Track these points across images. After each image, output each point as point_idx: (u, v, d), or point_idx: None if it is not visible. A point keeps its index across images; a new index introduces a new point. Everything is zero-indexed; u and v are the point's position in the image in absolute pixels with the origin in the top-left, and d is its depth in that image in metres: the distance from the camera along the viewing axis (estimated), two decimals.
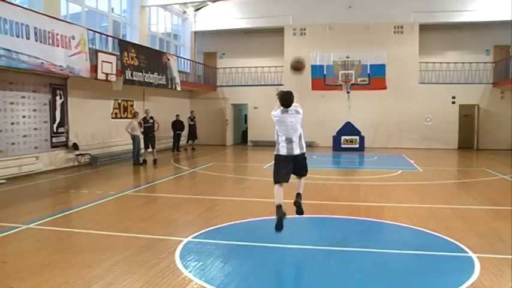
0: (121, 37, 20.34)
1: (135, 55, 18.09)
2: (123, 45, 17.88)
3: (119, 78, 16.76)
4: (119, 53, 17.29)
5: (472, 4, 24.32)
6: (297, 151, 6.74)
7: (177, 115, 23.13)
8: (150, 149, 17.60)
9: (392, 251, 6.49)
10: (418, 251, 6.67)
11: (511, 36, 25.24)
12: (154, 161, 17.53)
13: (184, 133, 23.80)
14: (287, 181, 6.84)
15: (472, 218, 8.40)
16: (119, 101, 19.47)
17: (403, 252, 6.50)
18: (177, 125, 23.06)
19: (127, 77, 17.45)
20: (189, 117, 24.05)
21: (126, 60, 17.51)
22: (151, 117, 17.63)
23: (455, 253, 6.35)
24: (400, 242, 7.15)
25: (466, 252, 6.28)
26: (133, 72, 17.92)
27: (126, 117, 19.38)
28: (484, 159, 19.71)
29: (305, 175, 7.13)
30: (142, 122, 17.20)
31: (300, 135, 6.84)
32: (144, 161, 17.41)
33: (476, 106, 24.85)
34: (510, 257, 6.18)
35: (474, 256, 6.09)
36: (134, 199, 10.73)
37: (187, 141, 23.91)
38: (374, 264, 5.98)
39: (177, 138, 23.04)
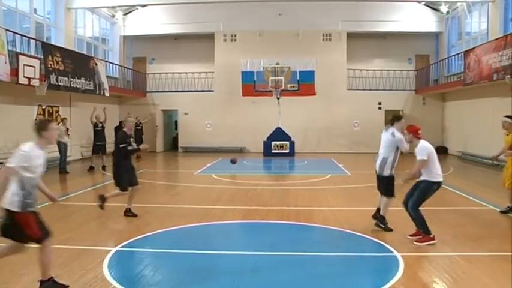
0: (45, 40, 19.46)
1: (60, 59, 17.38)
2: (48, 49, 17.12)
3: (42, 83, 16.03)
4: (42, 57, 16.56)
5: (396, 15, 25.56)
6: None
7: (121, 121, 22.72)
8: (96, 155, 17.33)
9: (322, 253, 6.62)
10: (347, 252, 6.87)
11: (431, 46, 26.85)
12: (103, 166, 17.20)
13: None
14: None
15: (397, 219, 8.70)
16: (44, 107, 18.61)
17: (332, 255, 6.66)
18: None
19: (52, 82, 16.68)
20: (136, 123, 22.34)
21: (51, 64, 16.78)
22: (102, 122, 17.21)
23: (381, 253, 6.62)
24: (330, 245, 7.32)
25: (392, 252, 6.54)
26: (59, 77, 17.19)
27: None
28: (408, 162, 20.38)
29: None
30: (69, 128, 16.60)
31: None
32: (91, 167, 16.98)
33: (400, 112, 25.92)
34: (430, 254, 6.55)
35: (399, 255, 6.36)
36: (60, 209, 10.23)
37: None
38: (304, 267, 6.08)
39: None
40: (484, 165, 18.56)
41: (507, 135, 8.94)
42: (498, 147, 9.74)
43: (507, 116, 9.09)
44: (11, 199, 4.95)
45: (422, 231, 7.11)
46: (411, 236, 7.24)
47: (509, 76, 15.72)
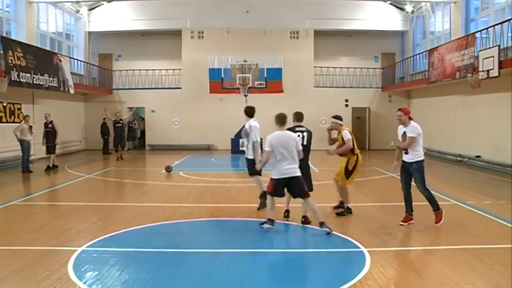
0: (4, 34, 18.84)
1: (22, 55, 16.89)
2: (8, 44, 16.57)
3: (3, 79, 15.56)
4: (2, 52, 16.05)
5: (362, 14, 25.91)
6: None
7: (104, 118, 23.26)
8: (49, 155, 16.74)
9: (289, 250, 6.66)
10: (314, 248, 6.93)
11: (396, 44, 27.32)
12: (54, 166, 16.57)
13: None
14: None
15: (364, 215, 8.86)
16: (4, 104, 18.10)
17: (300, 251, 6.70)
18: (105, 129, 23.41)
19: (13, 78, 16.22)
20: (115, 120, 21.51)
21: (12, 60, 16.28)
22: (51, 122, 16.70)
23: (348, 249, 6.69)
24: (297, 241, 7.37)
25: (358, 248, 6.62)
26: (21, 73, 16.73)
27: (14, 122, 18.06)
28: (375, 159, 20.88)
29: None
30: (32, 126, 16.16)
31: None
32: (49, 167, 16.45)
33: (367, 109, 26.36)
34: (396, 248, 6.66)
35: (365, 250, 6.44)
36: (23, 209, 10.02)
37: (122, 148, 21.35)
38: (272, 263, 6.11)
39: (105, 141, 23.37)
40: (448, 161, 19.01)
41: (338, 134, 9.21)
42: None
43: (334, 117, 9.24)
44: (298, 167, 7.60)
45: (436, 208, 8.06)
46: (403, 222, 8.00)
47: (470, 75, 16.11)
